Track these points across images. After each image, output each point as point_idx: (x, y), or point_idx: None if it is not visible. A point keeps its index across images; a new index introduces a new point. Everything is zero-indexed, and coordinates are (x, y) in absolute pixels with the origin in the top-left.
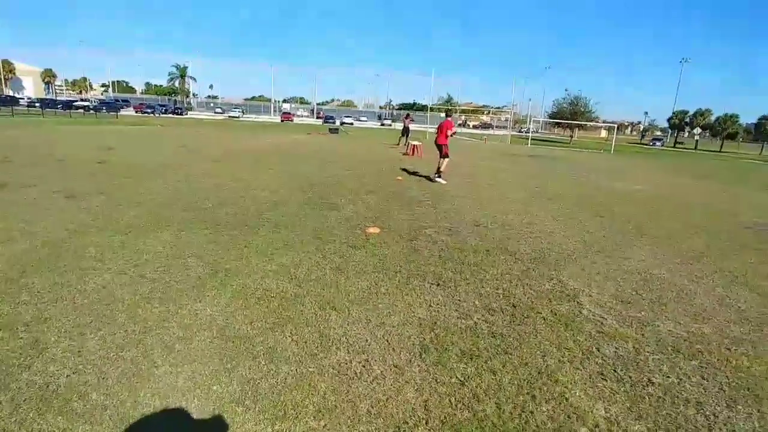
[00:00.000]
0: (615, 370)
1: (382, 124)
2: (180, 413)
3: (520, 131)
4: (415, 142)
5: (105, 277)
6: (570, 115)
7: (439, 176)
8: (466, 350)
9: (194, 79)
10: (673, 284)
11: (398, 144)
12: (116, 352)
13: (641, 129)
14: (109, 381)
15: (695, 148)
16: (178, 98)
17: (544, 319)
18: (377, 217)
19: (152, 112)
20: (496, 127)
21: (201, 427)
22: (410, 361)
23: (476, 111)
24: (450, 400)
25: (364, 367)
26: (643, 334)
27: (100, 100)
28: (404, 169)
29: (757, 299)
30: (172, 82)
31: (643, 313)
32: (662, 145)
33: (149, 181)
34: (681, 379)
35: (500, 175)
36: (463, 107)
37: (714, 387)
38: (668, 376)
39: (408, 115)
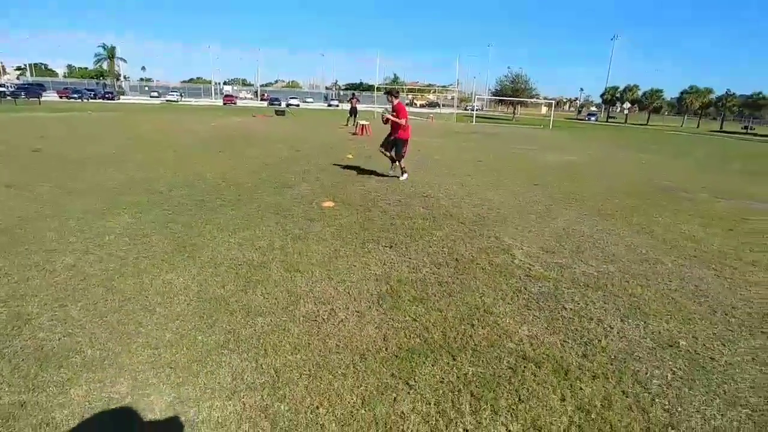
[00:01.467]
0: (537, 302)
1: (329, 105)
2: (172, 360)
3: (466, 109)
4: (363, 122)
5: (71, 257)
6: (512, 93)
7: (397, 168)
8: (416, 296)
9: (124, 60)
10: (590, 237)
11: (346, 125)
12: (100, 317)
13: (578, 105)
14: (101, 339)
15: (625, 122)
16: (108, 81)
17: (483, 269)
18: (331, 192)
19: (80, 97)
20: (443, 105)
21: (195, 367)
22: (369, 307)
23: (422, 90)
24: (404, 333)
25: (330, 314)
26: (562, 275)
27: (17, 84)
28: (353, 148)
29: (655, 244)
30: (99, 64)
31: (563, 259)
32: (596, 120)
33: (94, 169)
34: (587, 305)
35: (446, 151)
36: (409, 86)
37: (612, 308)
38: (578, 303)
39: (354, 95)
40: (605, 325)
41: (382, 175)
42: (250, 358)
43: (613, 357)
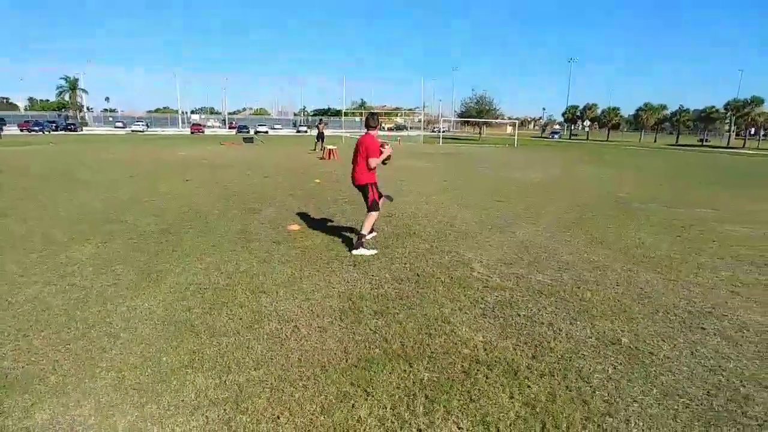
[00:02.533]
0: (493, 311)
1: (298, 131)
2: (136, 382)
3: (433, 131)
4: (330, 147)
5: (33, 288)
6: (476, 114)
7: (361, 243)
8: (377, 310)
9: (86, 91)
10: (548, 248)
11: (314, 149)
12: (64, 345)
13: (542, 124)
14: (64, 366)
15: (587, 139)
16: (70, 113)
17: (443, 282)
18: (297, 216)
19: (41, 130)
20: (411, 128)
21: (159, 387)
22: (332, 322)
23: (389, 113)
24: (365, 344)
25: (293, 330)
26: (518, 284)
27: None
28: (321, 173)
29: (607, 252)
30: (61, 96)
31: (521, 270)
32: (559, 138)
33: (55, 200)
34: (540, 311)
35: (412, 173)
36: (376, 110)
37: (562, 312)
38: (531, 310)
39: (321, 120)
40: (555, 328)
41: (350, 200)
42: (214, 375)
43: (560, 356)
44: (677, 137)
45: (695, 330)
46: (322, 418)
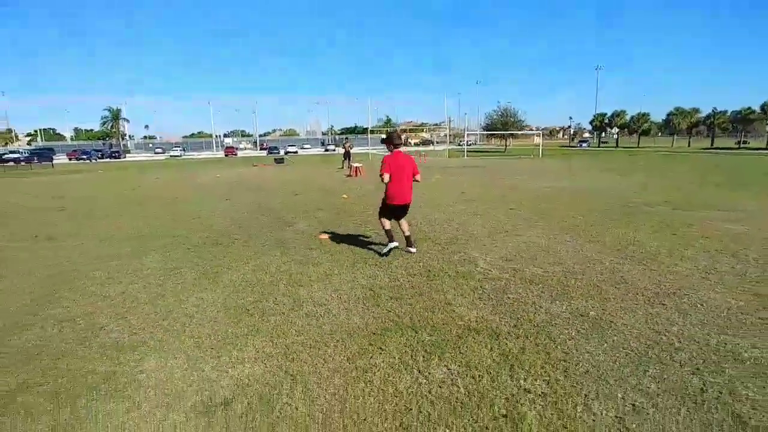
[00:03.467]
0: (488, 295)
1: (326, 150)
2: (212, 345)
3: (459, 145)
4: (357, 164)
5: (120, 286)
6: (501, 126)
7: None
8: (393, 296)
9: (127, 120)
10: (547, 247)
11: (342, 167)
12: (154, 323)
13: (571, 132)
14: (158, 336)
15: (616, 146)
16: (113, 141)
17: (449, 275)
18: (327, 227)
19: (88, 158)
20: (437, 142)
21: (228, 347)
22: (356, 305)
23: (415, 129)
24: (381, 319)
25: (325, 311)
26: (513, 276)
27: (30, 150)
28: (348, 189)
29: (601, 249)
30: (105, 125)
31: (518, 264)
32: (588, 146)
33: (115, 221)
34: (527, 294)
35: (432, 186)
36: (402, 127)
37: (546, 295)
38: (520, 293)
39: (347, 139)
40: (537, 306)
41: (374, 212)
42: (267, 340)
43: (535, 325)
44: (712, 140)
45: (656, 305)
46: (347, 363)
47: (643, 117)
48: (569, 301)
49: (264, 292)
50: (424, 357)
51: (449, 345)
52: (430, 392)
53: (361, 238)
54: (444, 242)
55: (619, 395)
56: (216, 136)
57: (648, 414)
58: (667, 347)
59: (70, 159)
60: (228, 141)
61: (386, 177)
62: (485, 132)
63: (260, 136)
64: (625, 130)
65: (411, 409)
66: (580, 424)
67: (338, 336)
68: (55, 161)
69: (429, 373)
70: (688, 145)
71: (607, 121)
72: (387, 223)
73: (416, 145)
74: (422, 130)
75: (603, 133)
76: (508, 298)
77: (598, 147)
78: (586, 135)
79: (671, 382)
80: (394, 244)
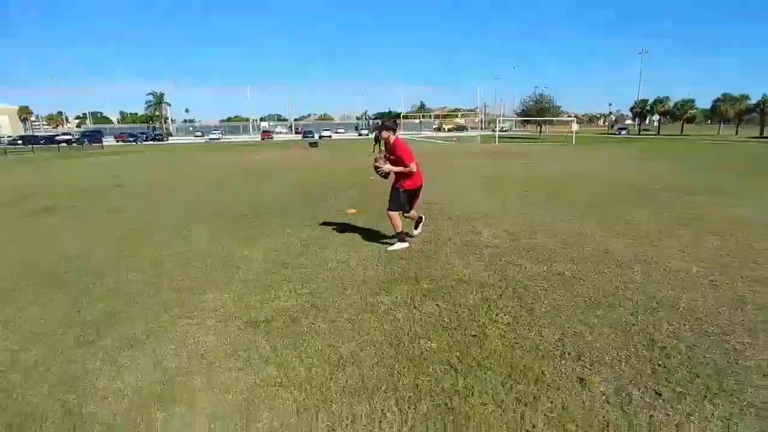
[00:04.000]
0: (484, 258)
1: (360, 135)
2: (255, 285)
3: (494, 131)
4: None
5: (178, 249)
6: (536, 112)
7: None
8: (403, 257)
9: (170, 105)
10: (549, 224)
11: (373, 151)
12: (208, 272)
13: (611, 119)
14: (214, 277)
15: (658, 134)
16: (156, 125)
17: (455, 244)
18: (355, 203)
19: (134, 140)
20: (472, 128)
21: (269, 288)
22: (371, 264)
23: (449, 115)
24: (391, 273)
25: (345, 267)
26: (510, 245)
27: (81, 132)
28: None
29: (597, 225)
30: (149, 109)
31: (517, 237)
32: (627, 133)
33: (169, 197)
34: (517, 259)
35: (458, 169)
36: (437, 112)
37: (533, 259)
38: (511, 258)
39: (379, 124)
40: (522, 267)
41: None
42: (299, 284)
43: (517, 281)
44: (761, 129)
45: (625, 269)
46: (360, 300)
47: (688, 103)
48: (551, 264)
49: (296, 253)
50: (420, 298)
51: (442, 291)
52: (420, 320)
53: (383, 213)
54: (457, 218)
55: (566, 325)
56: (253, 120)
57: (584, 336)
58: (620, 297)
59: (117, 141)
60: (264, 125)
61: (414, 166)
62: (519, 118)
63: (295, 120)
64: (668, 117)
65: (403, 328)
66: (529, 342)
67: (354, 283)
68: (104, 143)
69: (422, 309)
70: (736, 134)
71: (648, 107)
72: (401, 222)
73: (450, 130)
74: (456, 116)
75: (644, 121)
76: (500, 260)
77: (638, 134)
78: (628, 122)
79: (611, 318)
80: (406, 245)
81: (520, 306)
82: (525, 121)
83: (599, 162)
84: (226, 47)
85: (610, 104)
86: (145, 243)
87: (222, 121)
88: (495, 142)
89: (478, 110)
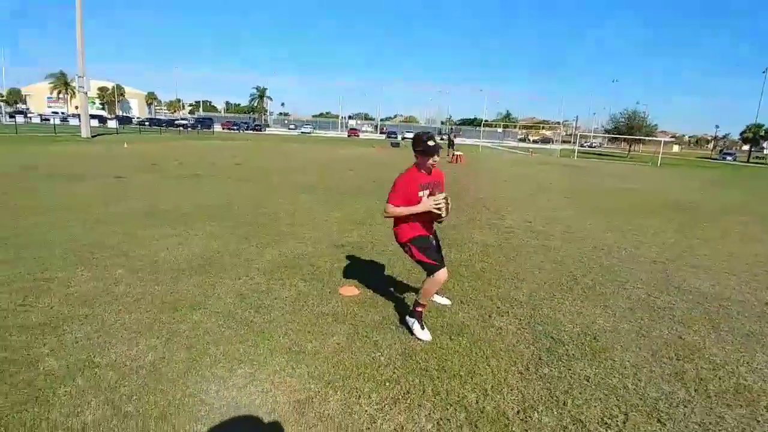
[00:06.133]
0: (499, 233)
1: (442, 139)
2: (338, 229)
3: (582, 145)
4: (458, 152)
5: (291, 207)
6: (626, 130)
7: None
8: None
9: (270, 98)
10: (564, 219)
11: (447, 154)
12: (309, 221)
13: (715, 143)
14: (312, 225)
15: None
16: (256, 116)
17: (481, 225)
18: None
19: (237, 129)
20: (562, 141)
21: (344, 231)
22: None
23: (534, 126)
24: None
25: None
26: (523, 228)
27: (195, 118)
28: (445, 172)
29: (601, 224)
30: (252, 101)
31: (533, 224)
32: (733, 159)
33: (281, 175)
34: (523, 236)
35: (518, 177)
36: (522, 122)
37: (535, 238)
38: (519, 236)
39: (452, 130)
40: (525, 242)
41: (457, 189)
42: (364, 232)
43: (515, 246)
44: None
45: (601, 249)
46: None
47: None
48: (546, 241)
49: (362, 218)
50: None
51: (458, 246)
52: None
53: None
54: (492, 209)
55: (537, 273)
56: (342, 118)
57: (549, 288)
58: (596, 265)
59: (223, 128)
60: (351, 123)
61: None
62: (606, 135)
63: (381, 120)
64: None
65: None
66: (507, 281)
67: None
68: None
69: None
70: None
71: (763, 133)
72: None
73: (534, 142)
74: (542, 128)
75: (756, 147)
76: (510, 235)
77: (747, 162)
78: (745, 148)
79: (555, 272)
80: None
81: (510, 260)
82: (613, 138)
83: (663, 182)
84: (323, 45)
85: (717, 127)
86: (267, 201)
87: (314, 116)
88: (574, 157)
89: (564, 123)
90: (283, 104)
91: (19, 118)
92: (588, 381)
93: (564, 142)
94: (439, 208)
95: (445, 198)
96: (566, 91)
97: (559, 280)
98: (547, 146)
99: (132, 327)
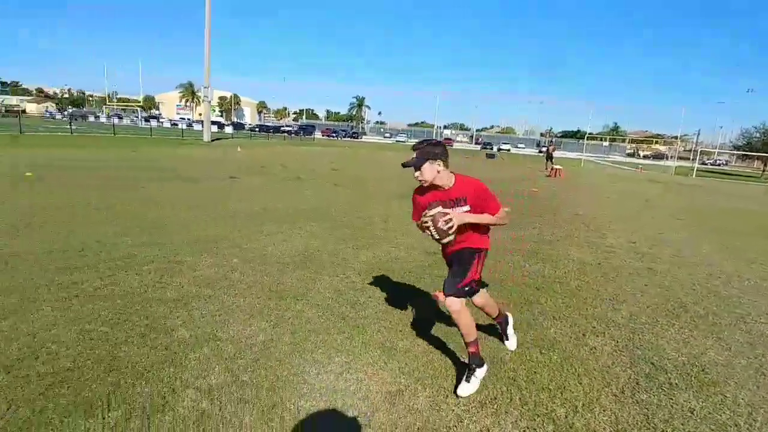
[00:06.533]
0: (601, 252)
1: (540, 152)
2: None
3: (704, 163)
4: (557, 167)
5: (382, 211)
6: (762, 147)
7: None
8: (533, 242)
9: (369, 107)
10: (677, 242)
11: (545, 168)
12: (398, 226)
13: None
14: (403, 231)
15: None
16: (354, 124)
17: (579, 244)
18: (507, 206)
19: (336, 136)
20: (678, 157)
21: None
22: None
23: (645, 141)
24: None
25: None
26: (627, 249)
27: (298, 125)
28: (541, 185)
29: (723, 250)
30: (351, 110)
31: (639, 247)
32: None
33: (372, 181)
34: (632, 261)
35: (623, 194)
36: (632, 136)
37: (639, 264)
38: (626, 261)
39: (552, 142)
40: (625, 261)
41: (556, 204)
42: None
43: (615, 266)
44: None
45: (717, 281)
46: None
47: None
48: (652, 263)
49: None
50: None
51: (553, 263)
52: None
53: (528, 206)
54: (593, 227)
55: (639, 296)
56: (437, 127)
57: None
58: (693, 295)
59: (323, 135)
60: (446, 133)
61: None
62: (735, 152)
63: (477, 130)
64: None
65: None
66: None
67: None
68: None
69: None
70: None
71: None
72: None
73: (645, 157)
74: (654, 141)
75: None
76: (610, 255)
77: None
78: None
79: (661, 297)
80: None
81: (602, 275)
82: (745, 155)
83: None
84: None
85: None
86: (363, 206)
87: (409, 125)
88: (692, 175)
89: (682, 138)
90: (380, 113)
91: (153, 123)
92: (692, 413)
93: (681, 158)
94: (426, 227)
95: (432, 217)
96: (689, 101)
97: (664, 305)
98: (660, 162)
99: (246, 309)
